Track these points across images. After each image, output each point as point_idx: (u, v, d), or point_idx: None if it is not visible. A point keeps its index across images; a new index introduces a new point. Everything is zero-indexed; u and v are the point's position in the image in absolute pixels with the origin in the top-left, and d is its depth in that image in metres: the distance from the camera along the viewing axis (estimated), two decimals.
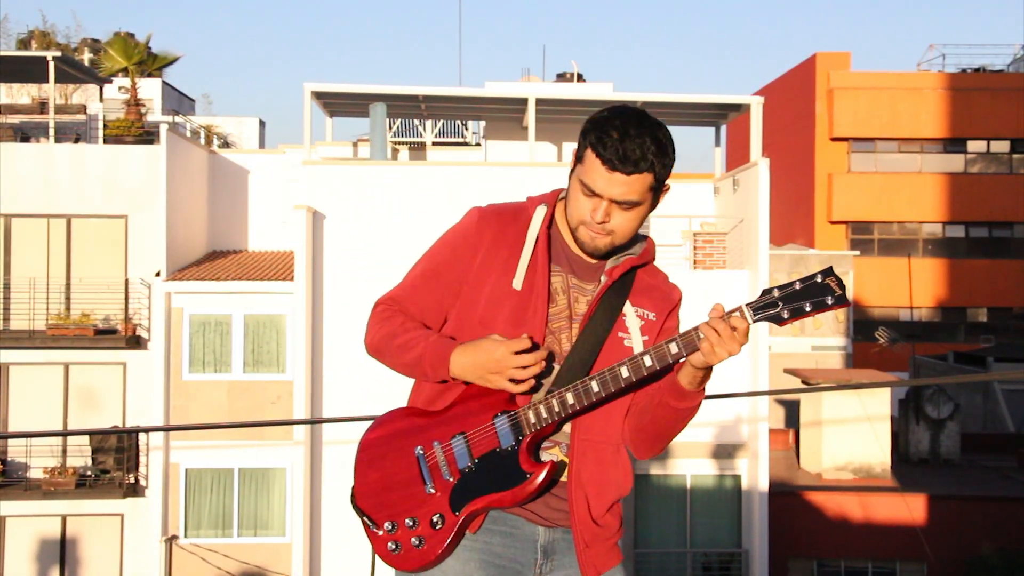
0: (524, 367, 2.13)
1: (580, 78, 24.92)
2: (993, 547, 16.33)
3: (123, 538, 17.54)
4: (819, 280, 2.08)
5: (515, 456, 2.19)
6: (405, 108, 20.99)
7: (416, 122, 25.80)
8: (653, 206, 2.25)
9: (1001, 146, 33.64)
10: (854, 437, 17.86)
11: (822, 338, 25.88)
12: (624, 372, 2.15)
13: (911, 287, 29.52)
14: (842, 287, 2.07)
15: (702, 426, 16.36)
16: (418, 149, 24.24)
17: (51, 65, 19.12)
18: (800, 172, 34.25)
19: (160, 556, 16.95)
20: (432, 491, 2.22)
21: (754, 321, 2.09)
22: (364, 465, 2.32)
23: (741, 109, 19.69)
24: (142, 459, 17.59)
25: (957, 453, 19.38)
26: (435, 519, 2.22)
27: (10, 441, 17.53)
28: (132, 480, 17.46)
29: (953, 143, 33.53)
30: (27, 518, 17.41)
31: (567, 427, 2.27)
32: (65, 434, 19.60)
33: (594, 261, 2.31)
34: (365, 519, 2.30)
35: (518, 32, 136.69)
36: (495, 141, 21.43)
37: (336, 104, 20.35)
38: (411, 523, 2.24)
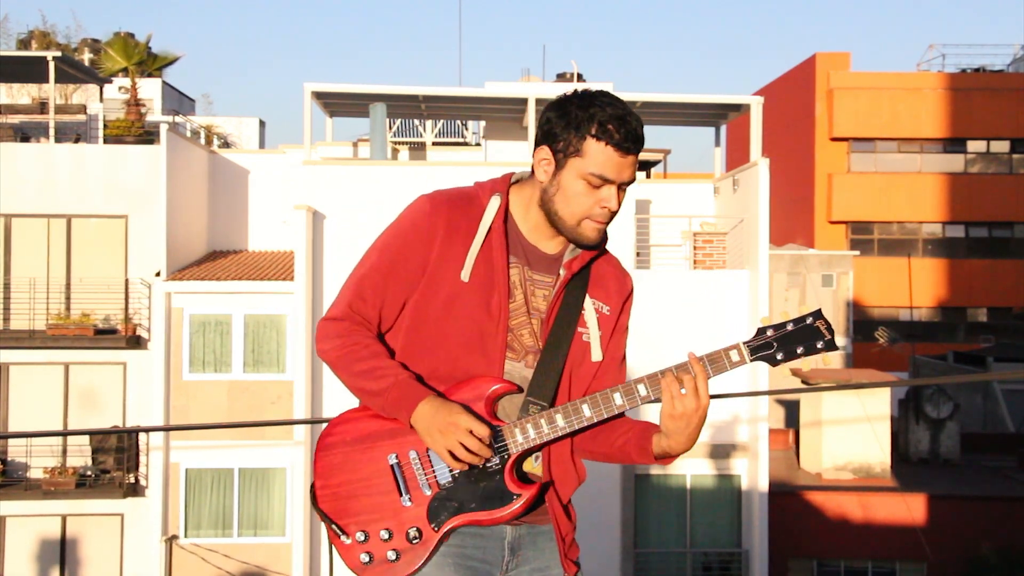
0: (468, 448, 2.04)
1: (580, 78, 24.91)
2: (993, 547, 16.34)
3: (123, 538, 17.54)
4: (810, 322, 2.14)
5: (500, 475, 2.11)
6: (405, 108, 20.98)
7: (416, 122, 25.78)
8: None
9: (1001, 146, 33.64)
10: (854, 437, 17.86)
11: None
12: (618, 399, 2.12)
13: (911, 287, 29.52)
14: (831, 331, 2.13)
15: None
16: (418, 149, 24.24)
17: (51, 65, 19.12)
18: (800, 172, 34.25)
19: (160, 556, 16.96)
20: (408, 504, 2.12)
21: (751, 360, 2.12)
22: (328, 467, 2.19)
23: (741, 109, 19.68)
24: (142, 459, 17.59)
25: (957, 453, 19.38)
26: (411, 533, 2.12)
27: (10, 441, 17.53)
28: (132, 480, 17.46)
29: (953, 143, 33.53)
30: (27, 518, 17.41)
31: None
32: (65, 434, 19.59)
33: (555, 252, 2.23)
34: (333, 526, 2.18)
35: (518, 32, 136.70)
36: (495, 141, 21.42)
37: (336, 104, 20.35)
38: (385, 535, 2.13)
